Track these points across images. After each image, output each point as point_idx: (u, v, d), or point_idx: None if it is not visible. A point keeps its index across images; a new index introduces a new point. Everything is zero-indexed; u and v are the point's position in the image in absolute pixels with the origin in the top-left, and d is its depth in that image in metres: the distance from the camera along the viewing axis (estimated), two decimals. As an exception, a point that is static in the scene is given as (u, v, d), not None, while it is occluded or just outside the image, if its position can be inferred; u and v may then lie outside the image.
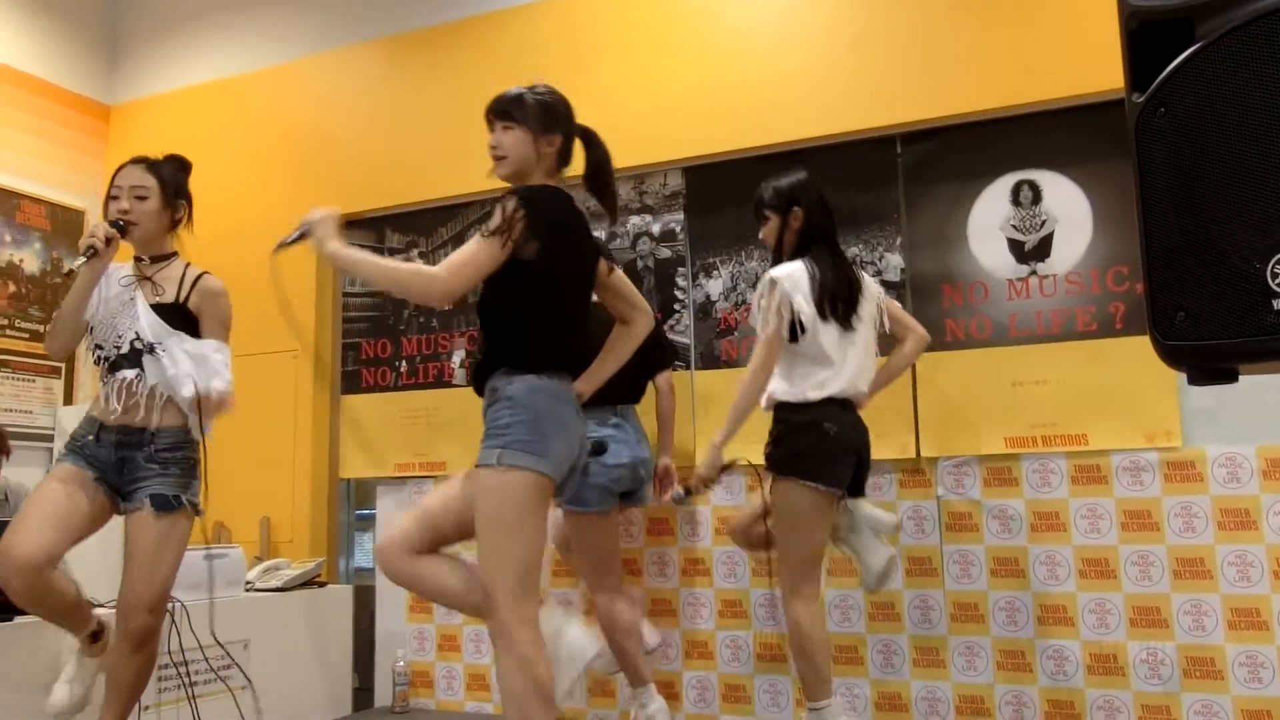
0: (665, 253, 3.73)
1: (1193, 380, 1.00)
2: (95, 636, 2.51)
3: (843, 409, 2.69)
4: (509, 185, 2.17)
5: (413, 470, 4.01)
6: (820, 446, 2.65)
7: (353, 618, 3.87)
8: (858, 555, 2.79)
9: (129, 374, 2.47)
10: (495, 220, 2.03)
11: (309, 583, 3.68)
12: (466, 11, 4.16)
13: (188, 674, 2.82)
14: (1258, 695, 2.81)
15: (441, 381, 4.04)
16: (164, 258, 2.63)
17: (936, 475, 3.23)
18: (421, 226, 4.21)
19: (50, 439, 4.41)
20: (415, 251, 4.20)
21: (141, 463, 2.47)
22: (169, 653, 2.74)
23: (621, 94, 3.78)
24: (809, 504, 2.63)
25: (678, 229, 3.71)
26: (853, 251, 3.43)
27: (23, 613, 2.59)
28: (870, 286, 2.85)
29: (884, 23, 3.44)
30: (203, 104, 4.65)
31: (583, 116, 4.16)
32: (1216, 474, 2.92)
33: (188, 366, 2.47)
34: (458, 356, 4.05)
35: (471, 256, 2.01)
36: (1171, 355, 1.00)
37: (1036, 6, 3.22)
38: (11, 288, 4.36)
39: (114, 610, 2.44)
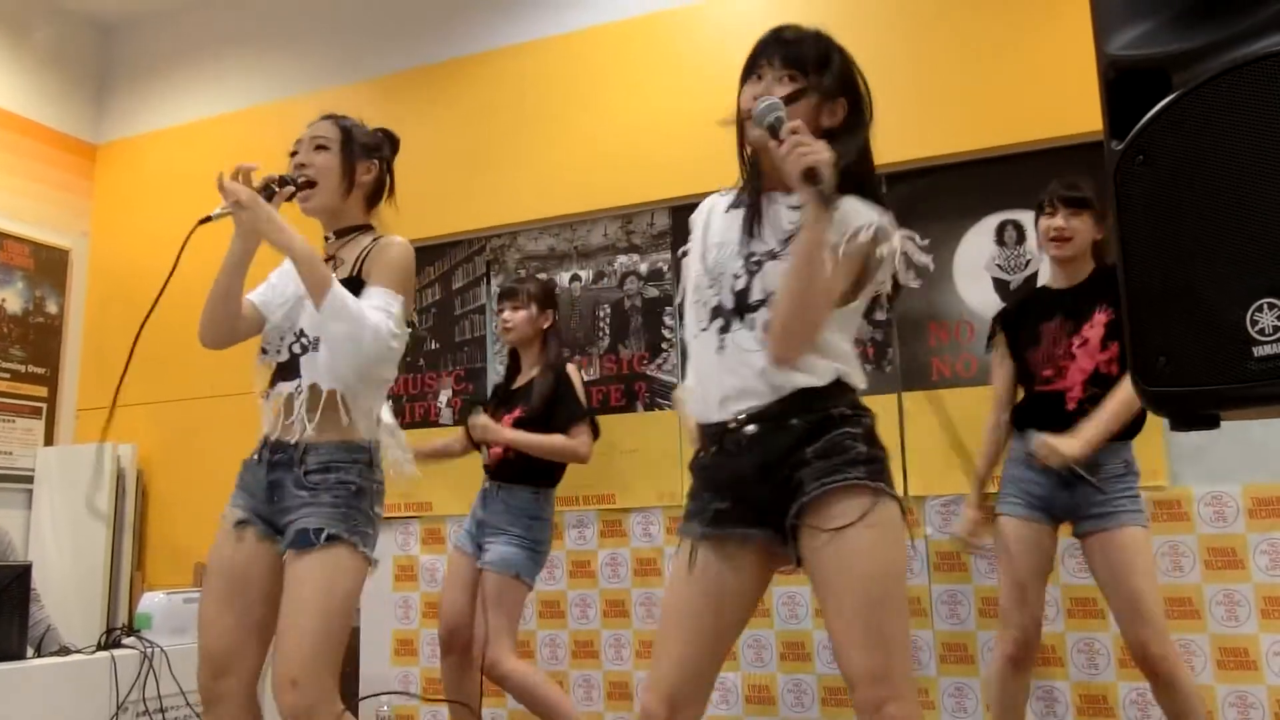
0: (653, 292, 3.73)
1: (1174, 426, 1.00)
2: None
3: None
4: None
5: (398, 511, 3.97)
6: None
7: (336, 661, 3.82)
8: None
9: (287, 388, 2.14)
10: None
11: (291, 625, 3.62)
12: (456, 53, 4.19)
13: (165, 722, 2.77)
14: (1249, 737, 2.79)
15: (428, 421, 4.02)
16: (353, 230, 2.23)
17: (924, 514, 3.22)
18: (408, 265, 4.21)
19: (30, 480, 4.37)
20: (402, 290, 4.20)
21: (291, 489, 2.08)
22: (145, 700, 2.70)
23: (608, 134, 3.80)
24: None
25: (665, 268, 3.72)
26: (838, 290, 3.45)
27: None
28: None
29: (869, 65, 3.47)
30: (191, 142, 4.65)
31: (569, 157, 4.16)
32: (1203, 513, 2.92)
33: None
34: (444, 395, 4.04)
35: None
36: (1153, 401, 1.00)
37: (1019, 51, 3.27)
38: (-6, 327, 4.34)
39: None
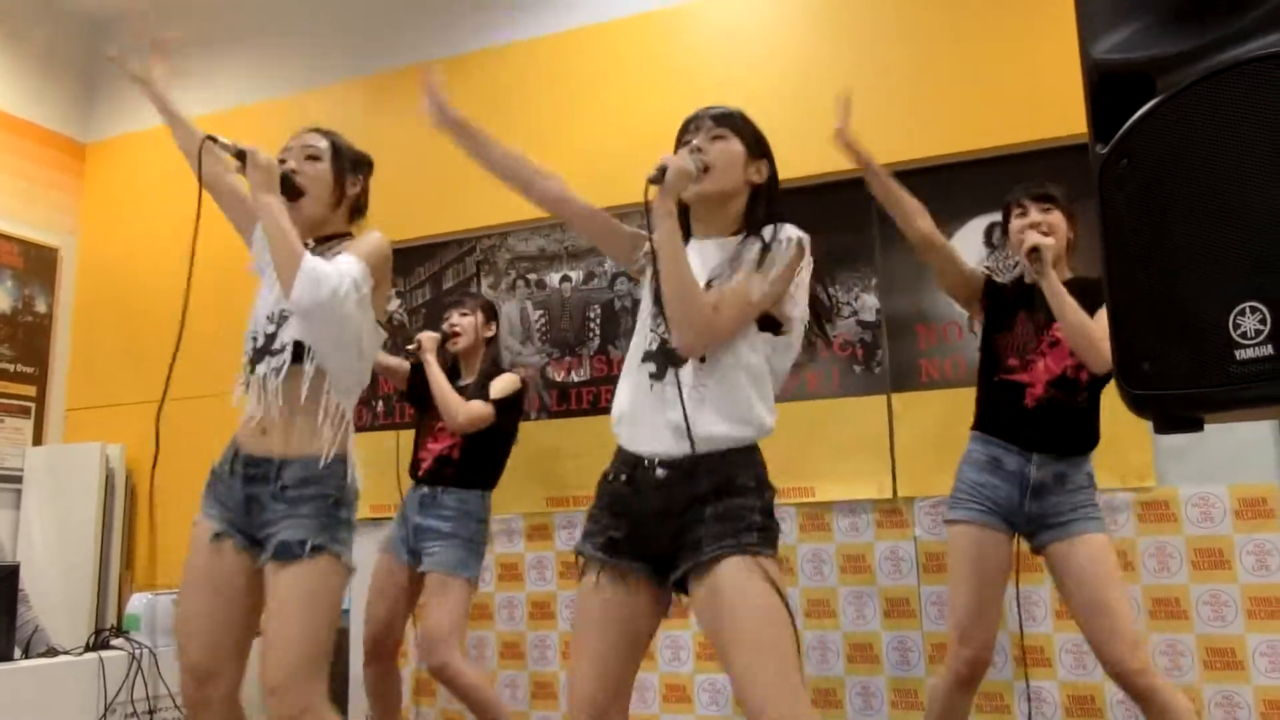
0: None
1: (1158, 429, 1.00)
2: None
3: None
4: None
5: (388, 512, 3.96)
6: None
7: (325, 661, 3.80)
8: None
9: (263, 368, 2.14)
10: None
11: (281, 626, 3.61)
12: (448, 52, 4.18)
13: (153, 723, 2.76)
14: (1235, 737, 2.80)
15: (417, 421, 4.01)
16: (333, 238, 2.25)
17: (913, 515, 3.23)
18: (399, 266, 4.19)
19: (19, 480, 4.35)
20: (393, 290, 4.19)
21: (269, 503, 2.10)
22: (133, 701, 2.69)
23: (601, 134, 3.80)
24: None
25: (655, 269, 3.72)
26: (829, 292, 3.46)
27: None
28: None
29: (858, 68, 3.49)
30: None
31: (561, 157, 4.16)
32: (1190, 514, 2.93)
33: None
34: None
35: None
36: (1137, 404, 1.00)
37: (1010, 53, 3.28)
38: (-18, 326, 4.32)
39: None
